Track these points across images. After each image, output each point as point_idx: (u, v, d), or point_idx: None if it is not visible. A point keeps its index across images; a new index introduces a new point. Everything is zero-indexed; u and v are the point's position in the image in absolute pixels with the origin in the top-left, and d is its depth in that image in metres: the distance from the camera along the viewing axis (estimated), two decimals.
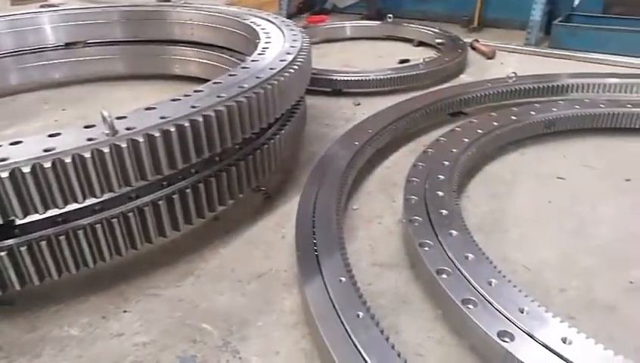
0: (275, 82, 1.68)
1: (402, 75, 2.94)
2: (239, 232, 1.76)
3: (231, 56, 2.83)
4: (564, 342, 1.14)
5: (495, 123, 2.22)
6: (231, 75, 1.71)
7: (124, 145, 1.28)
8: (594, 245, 1.67)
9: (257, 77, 1.67)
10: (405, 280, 1.53)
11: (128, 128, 1.31)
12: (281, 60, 1.84)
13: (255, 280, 1.54)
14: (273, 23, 2.40)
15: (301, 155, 2.26)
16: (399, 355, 1.11)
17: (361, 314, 1.22)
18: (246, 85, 1.60)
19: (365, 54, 3.87)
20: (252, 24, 2.42)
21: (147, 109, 1.44)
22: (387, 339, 1.16)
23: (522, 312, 1.22)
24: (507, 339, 1.16)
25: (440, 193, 1.71)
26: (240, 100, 1.54)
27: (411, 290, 1.49)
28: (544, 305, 1.26)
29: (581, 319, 1.37)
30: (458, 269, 1.37)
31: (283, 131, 1.92)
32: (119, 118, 1.36)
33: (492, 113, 2.34)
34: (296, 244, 1.48)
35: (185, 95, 1.52)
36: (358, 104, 2.82)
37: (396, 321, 1.39)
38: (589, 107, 2.38)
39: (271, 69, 1.75)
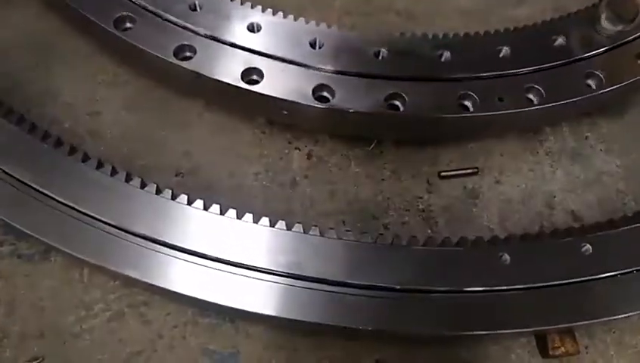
0: None
1: None
2: None
3: None
4: (251, 30, 0.91)
5: None
6: None
7: None
8: None
9: None
10: (36, 16, 1.06)
11: None
12: None
13: None
14: None
15: None
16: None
17: None
18: None
19: None
20: None
21: None
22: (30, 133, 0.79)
23: (194, 10, 0.91)
24: (188, 54, 0.88)
25: None
26: None
27: (50, 28, 1.04)
28: None
29: None
30: None
31: None
32: None
33: None
34: None
35: None
36: None
37: (49, 83, 0.98)
38: None
39: None
